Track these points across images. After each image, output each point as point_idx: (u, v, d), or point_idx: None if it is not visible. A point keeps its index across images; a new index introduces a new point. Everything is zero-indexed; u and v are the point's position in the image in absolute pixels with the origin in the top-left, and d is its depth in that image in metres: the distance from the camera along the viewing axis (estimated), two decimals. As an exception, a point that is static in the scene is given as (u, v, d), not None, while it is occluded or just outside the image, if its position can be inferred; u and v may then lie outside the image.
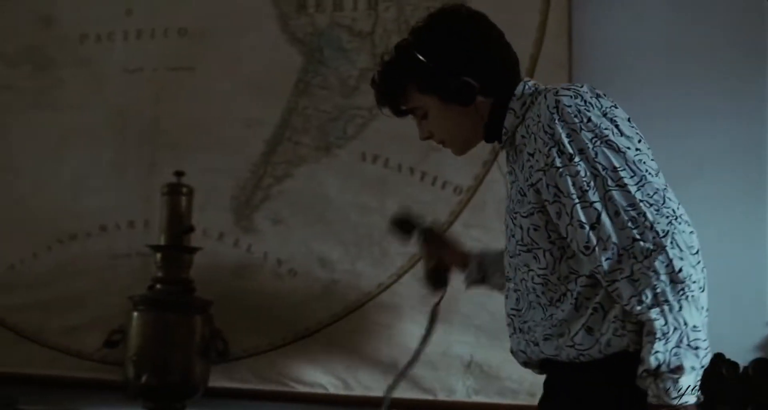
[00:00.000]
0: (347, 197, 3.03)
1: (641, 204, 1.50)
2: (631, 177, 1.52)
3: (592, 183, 1.52)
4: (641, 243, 1.47)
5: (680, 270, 1.46)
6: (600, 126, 1.55)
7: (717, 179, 2.79)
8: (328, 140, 3.08)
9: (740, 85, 2.81)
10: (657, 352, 1.45)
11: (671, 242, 1.47)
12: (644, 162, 1.55)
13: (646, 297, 1.46)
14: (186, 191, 2.90)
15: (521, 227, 1.68)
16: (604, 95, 1.63)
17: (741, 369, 2.61)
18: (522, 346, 1.76)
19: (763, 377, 2.60)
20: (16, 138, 3.34)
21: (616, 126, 1.57)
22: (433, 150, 2.94)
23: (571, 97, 1.59)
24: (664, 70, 2.88)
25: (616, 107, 1.62)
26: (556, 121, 1.57)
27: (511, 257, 1.76)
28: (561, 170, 1.55)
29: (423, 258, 2.27)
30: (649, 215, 1.48)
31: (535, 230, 1.65)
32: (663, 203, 1.51)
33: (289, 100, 3.12)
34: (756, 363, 2.63)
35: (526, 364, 1.80)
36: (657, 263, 1.46)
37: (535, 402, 2.79)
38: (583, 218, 1.53)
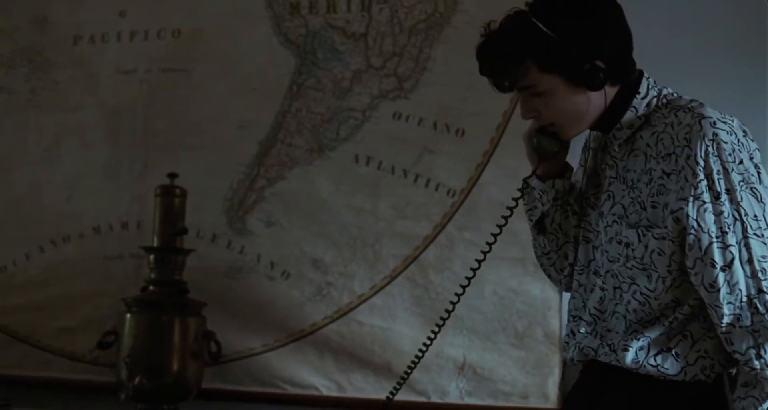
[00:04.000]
0: (340, 199, 3.03)
1: None
2: (767, 229, 1.52)
3: (732, 226, 1.52)
4: (767, 296, 1.48)
5: None
6: (749, 170, 1.54)
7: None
8: (321, 142, 3.08)
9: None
10: None
11: None
12: None
13: (765, 352, 1.47)
14: (179, 193, 2.90)
15: (646, 246, 1.63)
16: (749, 134, 1.61)
17: None
18: (595, 345, 1.71)
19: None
20: (9, 139, 3.34)
21: (759, 173, 1.56)
22: (426, 152, 2.96)
23: (728, 133, 1.55)
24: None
25: (759, 150, 1.60)
26: (711, 155, 1.53)
27: (610, 261, 1.71)
28: (707, 205, 1.53)
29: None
30: None
31: (659, 254, 1.61)
32: None
33: (282, 102, 3.11)
34: None
35: (574, 360, 1.76)
36: None
37: (528, 404, 2.82)
38: (716, 259, 1.52)
